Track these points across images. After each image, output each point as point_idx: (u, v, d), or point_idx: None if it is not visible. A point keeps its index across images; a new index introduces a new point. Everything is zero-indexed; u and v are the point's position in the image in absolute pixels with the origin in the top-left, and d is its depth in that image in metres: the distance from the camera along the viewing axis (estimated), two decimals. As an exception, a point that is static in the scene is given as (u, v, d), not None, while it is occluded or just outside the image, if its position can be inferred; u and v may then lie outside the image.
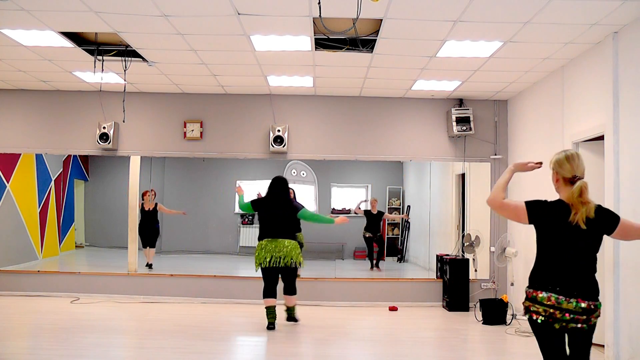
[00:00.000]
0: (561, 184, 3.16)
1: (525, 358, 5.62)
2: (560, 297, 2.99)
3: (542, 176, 4.49)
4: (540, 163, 3.35)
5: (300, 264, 6.47)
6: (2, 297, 8.06)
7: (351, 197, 13.28)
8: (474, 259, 7.99)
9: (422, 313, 7.75)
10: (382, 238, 11.42)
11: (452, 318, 7.48)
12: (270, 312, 6.44)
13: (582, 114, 6.02)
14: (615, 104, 5.30)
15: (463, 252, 8.18)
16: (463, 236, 8.28)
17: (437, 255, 8.68)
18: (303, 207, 6.59)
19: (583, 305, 2.98)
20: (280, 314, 6.68)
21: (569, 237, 3.04)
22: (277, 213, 6.45)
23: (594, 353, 3.94)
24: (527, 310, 3.14)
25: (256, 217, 12.67)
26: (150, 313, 7.36)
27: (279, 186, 6.58)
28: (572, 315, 2.98)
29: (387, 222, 12.65)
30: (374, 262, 10.89)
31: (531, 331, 6.47)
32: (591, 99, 5.83)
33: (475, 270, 7.99)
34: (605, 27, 5.23)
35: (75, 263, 11.55)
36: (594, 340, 3.20)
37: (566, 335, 3.11)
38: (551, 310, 3.00)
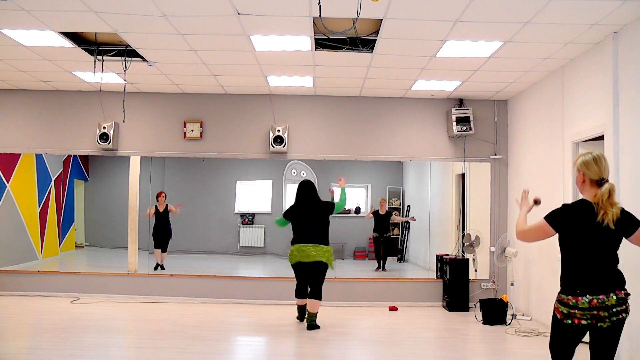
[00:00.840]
0: (587, 185, 3.24)
1: (525, 358, 5.62)
2: (601, 296, 3.09)
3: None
4: (533, 198, 3.59)
5: (331, 266, 6.56)
6: (2, 297, 8.06)
7: (351, 197, 13.25)
8: (474, 259, 7.99)
9: (422, 313, 7.75)
10: (390, 239, 11.36)
11: (452, 318, 7.48)
12: (302, 309, 6.77)
13: (582, 114, 6.02)
14: (615, 104, 5.30)
15: (463, 252, 8.17)
16: (463, 236, 8.27)
17: (437, 255, 8.68)
18: (333, 203, 6.78)
19: (621, 295, 3.11)
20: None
21: (597, 236, 3.15)
22: (311, 217, 6.57)
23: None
24: (565, 316, 3.17)
25: (256, 217, 12.84)
26: (150, 313, 7.36)
27: (308, 190, 6.71)
28: (614, 309, 3.08)
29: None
30: (382, 263, 10.86)
31: (531, 331, 6.50)
32: (591, 98, 5.83)
33: (475, 270, 7.99)
34: (605, 27, 5.23)
35: (75, 263, 11.56)
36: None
37: (590, 333, 3.18)
38: (594, 312, 3.08)
